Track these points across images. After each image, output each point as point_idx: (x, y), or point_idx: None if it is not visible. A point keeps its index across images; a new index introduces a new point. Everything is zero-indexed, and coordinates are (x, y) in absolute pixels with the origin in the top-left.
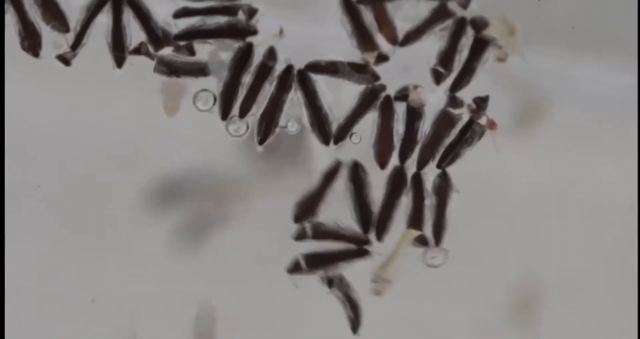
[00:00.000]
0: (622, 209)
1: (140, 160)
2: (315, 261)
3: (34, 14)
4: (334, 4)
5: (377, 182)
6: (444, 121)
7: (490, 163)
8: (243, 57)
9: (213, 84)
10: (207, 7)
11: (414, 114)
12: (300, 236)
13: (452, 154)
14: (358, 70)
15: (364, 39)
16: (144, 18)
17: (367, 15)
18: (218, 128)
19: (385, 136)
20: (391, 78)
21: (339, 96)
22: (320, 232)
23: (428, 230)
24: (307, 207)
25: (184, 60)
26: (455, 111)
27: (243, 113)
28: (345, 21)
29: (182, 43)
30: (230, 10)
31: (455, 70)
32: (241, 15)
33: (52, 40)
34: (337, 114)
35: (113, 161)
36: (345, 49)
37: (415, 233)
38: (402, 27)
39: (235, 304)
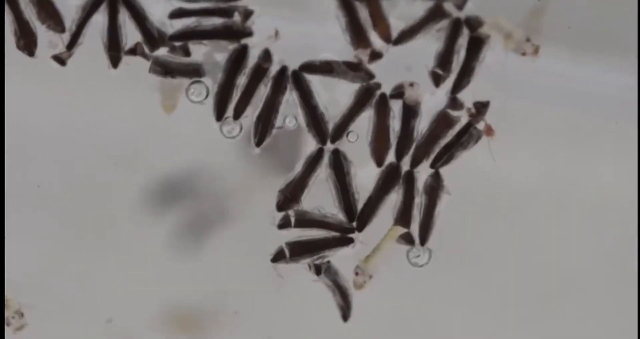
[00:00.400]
0: (622, 210)
1: (140, 160)
2: (299, 249)
3: (30, 13)
4: (330, 2)
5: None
6: (442, 121)
7: (490, 163)
8: (238, 59)
9: (208, 83)
10: (202, 8)
11: (410, 112)
12: (284, 225)
13: (446, 155)
14: (353, 69)
15: (358, 36)
16: (140, 18)
17: (363, 11)
18: (213, 128)
19: (381, 133)
20: (388, 76)
21: (334, 95)
22: (304, 221)
23: (415, 229)
24: (290, 195)
25: (179, 61)
26: (455, 113)
27: (237, 115)
28: (339, 15)
29: (177, 44)
30: (226, 12)
31: (454, 71)
32: (237, 17)
33: (48, 40)
34: (333, 113)
35: (113, 160)
36: (340, 49)
37: (401, 230)
38: (397, 25)
39: (236, 304)
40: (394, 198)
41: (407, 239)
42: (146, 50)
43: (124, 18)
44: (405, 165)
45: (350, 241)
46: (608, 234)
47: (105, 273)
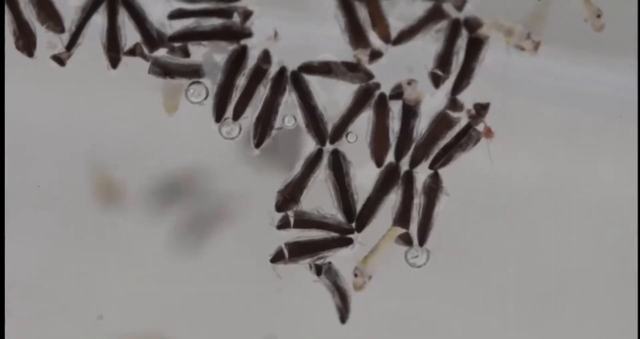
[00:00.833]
0: (622, 209)
1: (139, 160)
2: (298, 250)
3: (29, 13)
4: (329, 3)
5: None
6: (442, 122)
7: (489, 164)
8: (237, 60)
9: (207, 84)
10: (202, 9)
11: (410, 112)
12: (283, 225)
13: (446, 156)
14: (351, 70)
15: (357, 36)
16: (139, 19)
17: (362, 11)
18: (212, 129)
19: (380, 134)
20: (387, 77)
21: (333, 96)
22: (303, 221)
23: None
24: (289, 196)
25: (179, 62)
26: (454, 114)
27: (237, 115)
28: (339, 15)
29: (176, 45)
30: (225, 13)
31: (454, 72)
32: (236, 18)
33: (47, 41)
34: (332, 114)
35: (112, 161)
36: (340, 49)
37: (399, 231)
38: (396, 25)
39: (235, 304)
40: (393, 199)
41: (406, 239)
42: (145, 51)
43: (124, 19)
44: (404, 165)
45: (350, 241)
46: (608, 234)
47: (105, 273)
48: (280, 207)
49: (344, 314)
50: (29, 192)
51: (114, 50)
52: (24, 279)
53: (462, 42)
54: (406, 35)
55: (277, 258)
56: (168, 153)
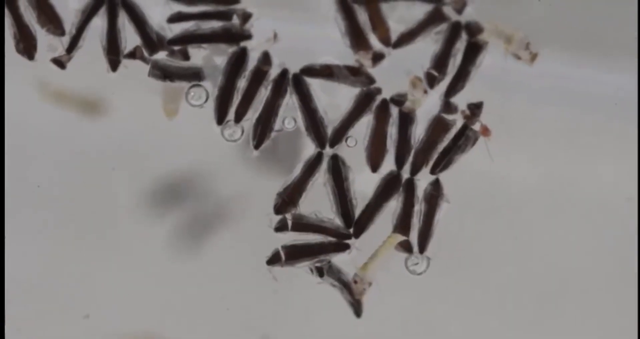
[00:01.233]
0: (622, 210)
1: (140, 160)
2: (295, 253)
3: (29, 16)
4: (329, 5)
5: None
6: (438, 126)
7: (489, 168)
8: (238, 62)
9: (207, 87)
10: (201, 11)
11: (407, 119)
12: (281, 228)
13: (445, 159)
14: (353, 74)
15: (358, 39)
16: (139, 22)
17: (362, 15)
18: (214, 132)
19: (378, 139)
20: (388, 80)
21: (334, 99)
22: (301, 225)
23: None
24: (288, 199)
25: (179, 65)
26: (450, 117)
27: (238, 118)
28: (338, 19)
29: (176, 48)
30: (225, 15)
31: (449, 74)
32: (235, 20)
33: (48, 43)
34: (332, 117)
35: (112, 162)
36: (341, 52)
37: (399, 237)
38: (396, 28)
39: (233, 305)
40: (393, 205)
41: (406, 246)
42: (145, 54)
43: (124, 22)
44: (404, 173)
45: (347, 247)
46: (608, 234)
47: (104, 273)
48: (278, 209)
49: (357, 308)
50: (29, 192)
51: (114, 53)
52: (24, 279)
53: (460, 45)
54: (406, 38)
55: (274, 260)
56: (167, 155)
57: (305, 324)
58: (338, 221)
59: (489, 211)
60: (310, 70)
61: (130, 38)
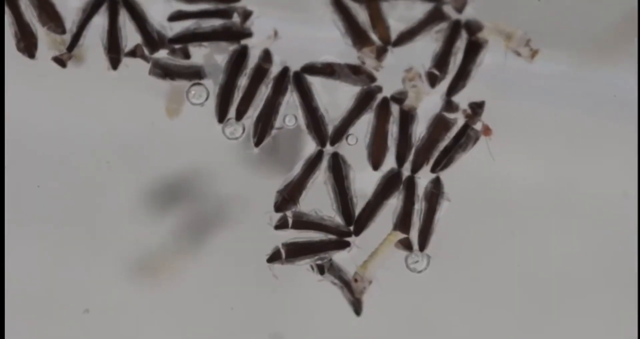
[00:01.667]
0: (622, 210)
1: (140, 161)
2: (296, 251)
3: (30, 15)
4: (327, 5)
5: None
6: (439, 125)
7: (490, 168)
8: (238, 60)
9: (208, 85)
10: (201, 10)
11: (408, 117)
12: (281, 226)
13: (446, 158)
14: (354, 72)
15: (359, 36)
16: (140, 20)
17: (359, 13)
18: (216, 130)
19: (379, 137)
20: (388, 79)
21: (335, 97)
22: (302, 222)
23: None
24: (288, 196)
25: (179, 64)
26: (451, 116)
27: (239, 116)
28: (337, 20)
29: (177, 46)
30: (225, 13)
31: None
32: (236, 18)
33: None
34: (333, 115)
35: (112, 161)
36: (341, 50)
37: (400, 235)
38: (396, 27)
39: (234, 303)
40: (393, 203)
41: (406, 244)
42: (146, 52)
43: (124, 20)
44: (405, 171)
45: (347, 244)
46: (608, 233)
47: (104, 273)
48: (279, 207)
49: (357, 307)
50: (29, 192)
51: (114, 52)
52: (24, 279)
53: (461, 44)
54: (406, 37)
55: (274, 257)
56: (168, 154)
57: (305, 322)
58: (338, 219)
59: (489, 210)
60: (312, 68)
61: (130, 36)
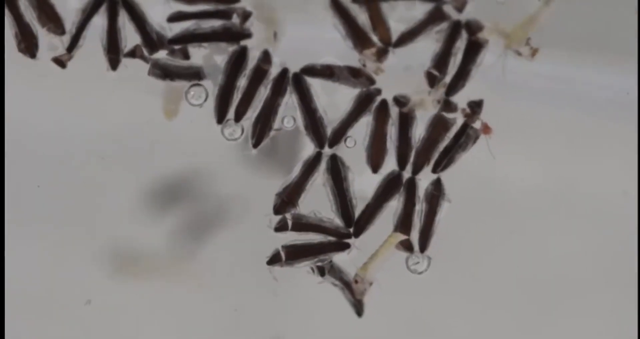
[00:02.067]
0: (622, 211)
1: (140, 161)
2: (295, 253)
3: (30, 16)
4: (327, 8)
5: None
6: (438, 125)
7: (490, 169)
8: (238, 61)
9: (207, 86)
10: (201, 11)
11: (407, 118)
12: (281, 228)
13: (446, 158)
14: (354, 75)
15: (360, 38)
16: (139, 21)
17: (359, 15)
18: (215, 130)
19: (378, 139)
20: (387, 80)
21: (334, 99)
22: (301, 224)
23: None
24: (287, 199)
25: (179, 64)
26: (450, 115)
27: (238, 117)
28: (337, 24)
29: (176, 47)
30: (225, 14)
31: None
32: (235, 19)
33: (48, 43)
34: (332, 117)
35: (112, 162)
36: (341, 51)
37: (400, 237)
38: (397, 28)
39: (235, 305)
40: (394, 205)
41: (407, 246)
42: (145, 53)
43: (124, 21)
44: (406, 172)
45: (347, 246)
46: (607, 233)
47: (104, 274)
48: (278, 209)
49: (358, 308)
50: (29, 192)
51: (113, 52)
52: (24, 279)
53: (460, 44)
54: (407, 37)
55: (274, 260)
56: (167, 154)
57: (305, 324)
58: (338, 221)
59: (489, 211)
60: (311, 70)
61: (130, 37)
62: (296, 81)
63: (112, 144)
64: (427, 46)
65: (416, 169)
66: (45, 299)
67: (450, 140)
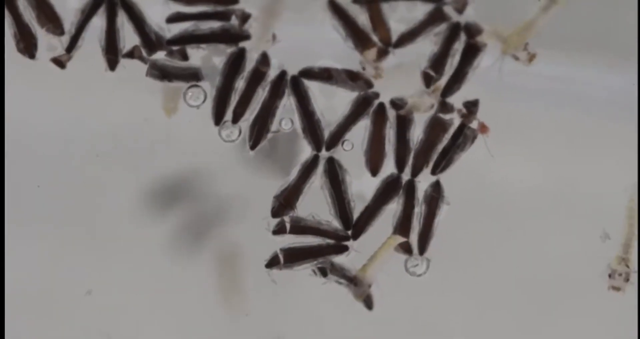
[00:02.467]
0: (622, 211)
1: (140, 161)
2: (294, 256)
3: (29, 16)
4: (325, 10)
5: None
6: (435, 126)
7: (489, 171)
8: (236, 62)
9: (205, 87)
10: (200, 12)
11: (405, 121)
12: (279, 231)
13: (445, 159)
14: (352, 78)
15: (360, 39)
16: (138, 22)
17: (359, 16)
18: (212, 132)
19: (376, 143)
20: (386, 81)
21: (332, 102)
22: (299, 227)
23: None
24: (285, 202)
25: (177, 65)
26: (446, 116)
27: (236, 118)
28: (337, 25)
29: (175, 48)
30: (224, 15)
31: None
32: (234, 21)
33: (47, 43)
34: (329, 120)
35: (111, 162)
36: (340, 53)
37: (399, 239)
38: (397, 29)
39: (236, 305)
40: (392, 207)
41: (406, 248)
42: (144, 53)
43: (122, 21)
44: (404, 174)
45: (345, 249)
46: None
47: (104, 274)
48: (276, 212)
49: (368, 302)
50: (29, 192)
51: (112, 53)
52: (24, 279)
53: (459, 46)
54: (407, 38)
55: (272, 263)
56: (164, 156)
57: (306, 325)
58: (336, 223)
59: (488, 213)
60: (309, 73)
61: (129, 38)
62: (294, 84)
63: (111, 144)
64: (425, 48)
65: (415, 172)
66: (45, 299)
67: (448, 141)
